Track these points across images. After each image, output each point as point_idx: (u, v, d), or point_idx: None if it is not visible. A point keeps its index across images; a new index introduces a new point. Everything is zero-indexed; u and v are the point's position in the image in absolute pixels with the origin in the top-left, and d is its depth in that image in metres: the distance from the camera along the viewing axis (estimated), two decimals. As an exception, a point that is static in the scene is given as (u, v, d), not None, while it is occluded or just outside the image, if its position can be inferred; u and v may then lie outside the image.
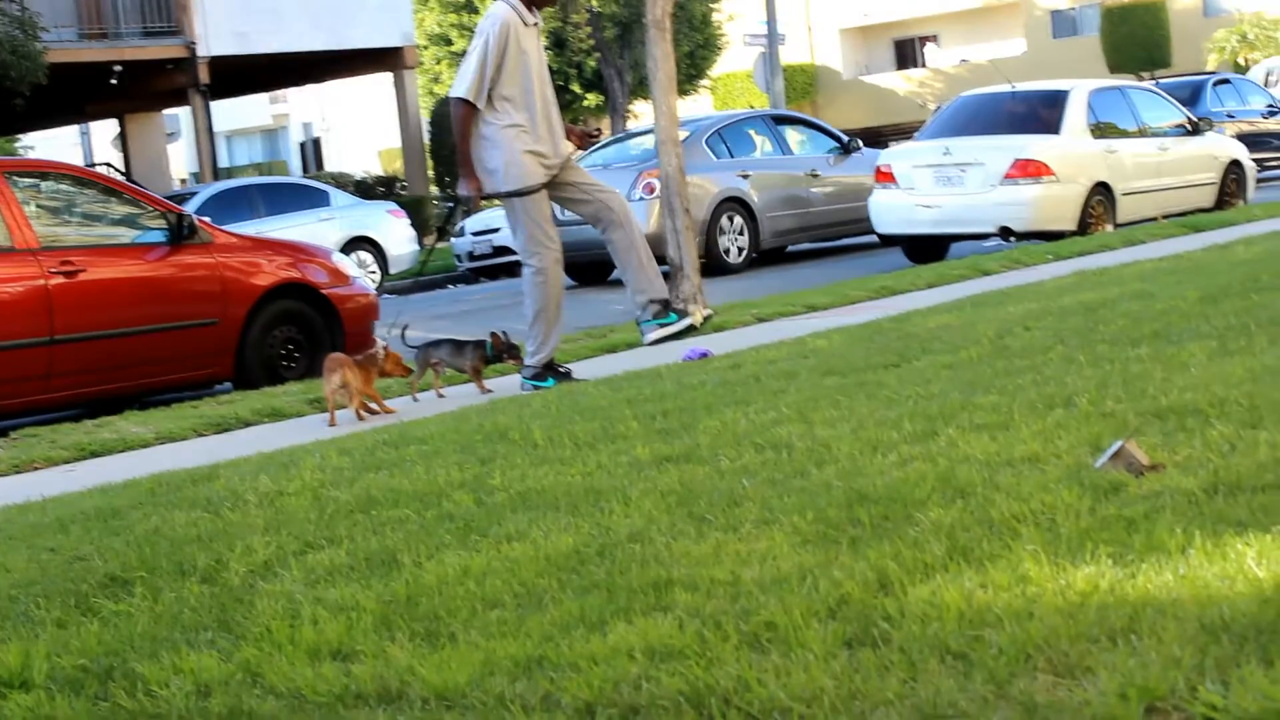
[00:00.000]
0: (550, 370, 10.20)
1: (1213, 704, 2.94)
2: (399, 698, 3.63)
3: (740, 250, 21.13)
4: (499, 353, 10.17)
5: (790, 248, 22.72)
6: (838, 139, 23.00)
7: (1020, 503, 4.54)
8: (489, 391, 9.99)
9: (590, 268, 21.49)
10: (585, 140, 10.95)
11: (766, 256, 21.86)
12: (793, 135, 23.07)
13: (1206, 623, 3.35)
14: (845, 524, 4.61)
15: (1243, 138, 27.15)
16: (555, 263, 10.14)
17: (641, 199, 20.37)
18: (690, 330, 10.97)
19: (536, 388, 9.96)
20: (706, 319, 11.28)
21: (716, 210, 20.83)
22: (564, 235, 20.61)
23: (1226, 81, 30.18)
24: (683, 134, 21.48)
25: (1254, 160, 27.14)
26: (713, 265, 20.62)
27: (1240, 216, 18.31)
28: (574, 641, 3.82)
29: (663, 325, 10.52)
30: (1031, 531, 4.24)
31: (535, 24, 10.20)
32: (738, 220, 21.11)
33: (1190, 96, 28.07)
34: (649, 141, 22.02)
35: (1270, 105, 29.68)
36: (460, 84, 10.07)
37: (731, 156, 21.67)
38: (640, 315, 10.89)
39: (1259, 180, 27.72)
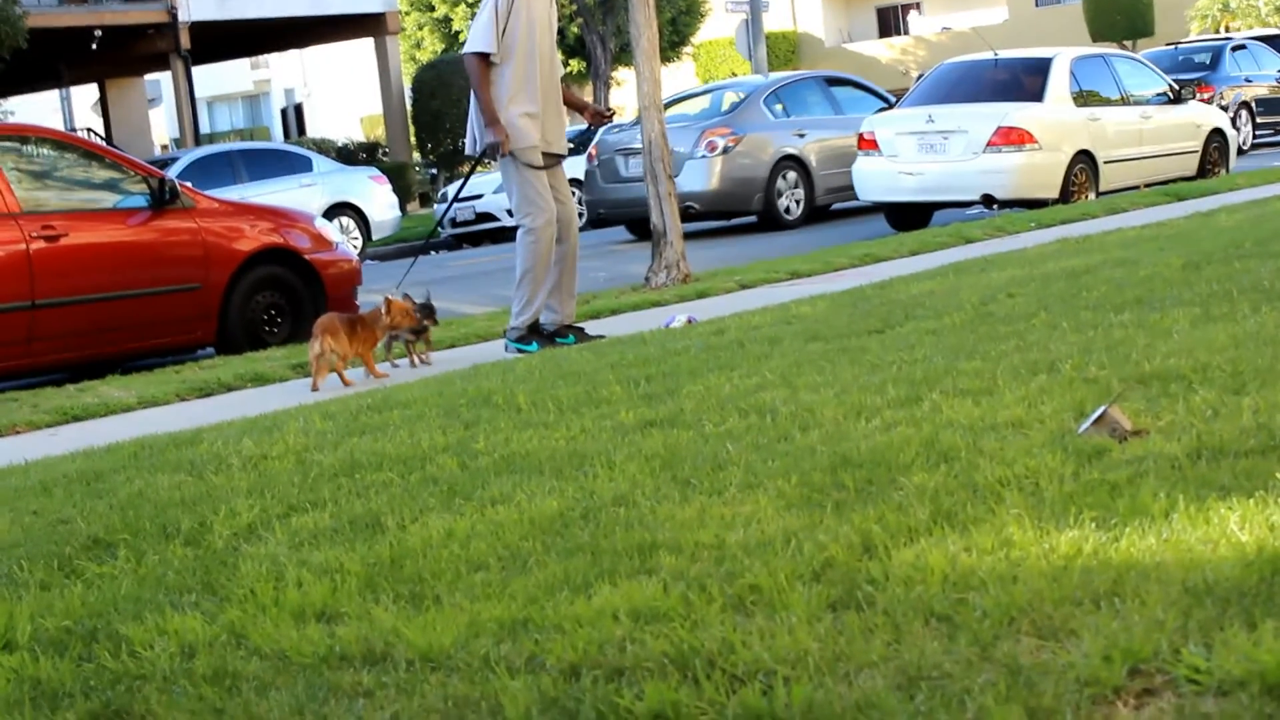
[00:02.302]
0: (535, 333, 10.17)
1: (1196, 666, 2.95)
2: (384, 659, 3.63)
3: (797, 204, 21.65)
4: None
5: (835, 206, 22.93)
6: (885, 99, 23.28)
7: (1004, 467, 4.55)
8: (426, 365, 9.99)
9: (645, 223, 21.87)
10: (598, 119, 10.97)
11: (817, 213, 22.23)
12: (843, 95, 23.29)
13: (1190, 586, 3.36)
14: (829, 488, 4.62)
15: (1258, 102, 27.93)
16: (548, 224, 10.11)
17: (704, 156, 21.06)
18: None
19: (521, 351, 9.94)
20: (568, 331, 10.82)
21: (774, 168, 21.32)
22: (623, 191, 21.22)
23: (1243, 47, 30.88)
24: (740, 95, 22.00)
25: (1267, 124, 28.14)
26: (771, 221, 21.30)
27: (1222, 185, 18.35)
28: (559, 604, 3.82)
29: (522, 350, 10.19)
30: (1015, 496, 4.25)
31: None
32: (793, 177, 21.60)
33: (1210, 61, 29.10)
34: (707, 101, 22.48)
35: None
36: (471, 39, 10.10)
37: (788, 116, 22.07)
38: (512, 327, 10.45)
39: (1270, 144, 28.43)
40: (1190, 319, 6.97)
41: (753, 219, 21.75)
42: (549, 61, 10.21)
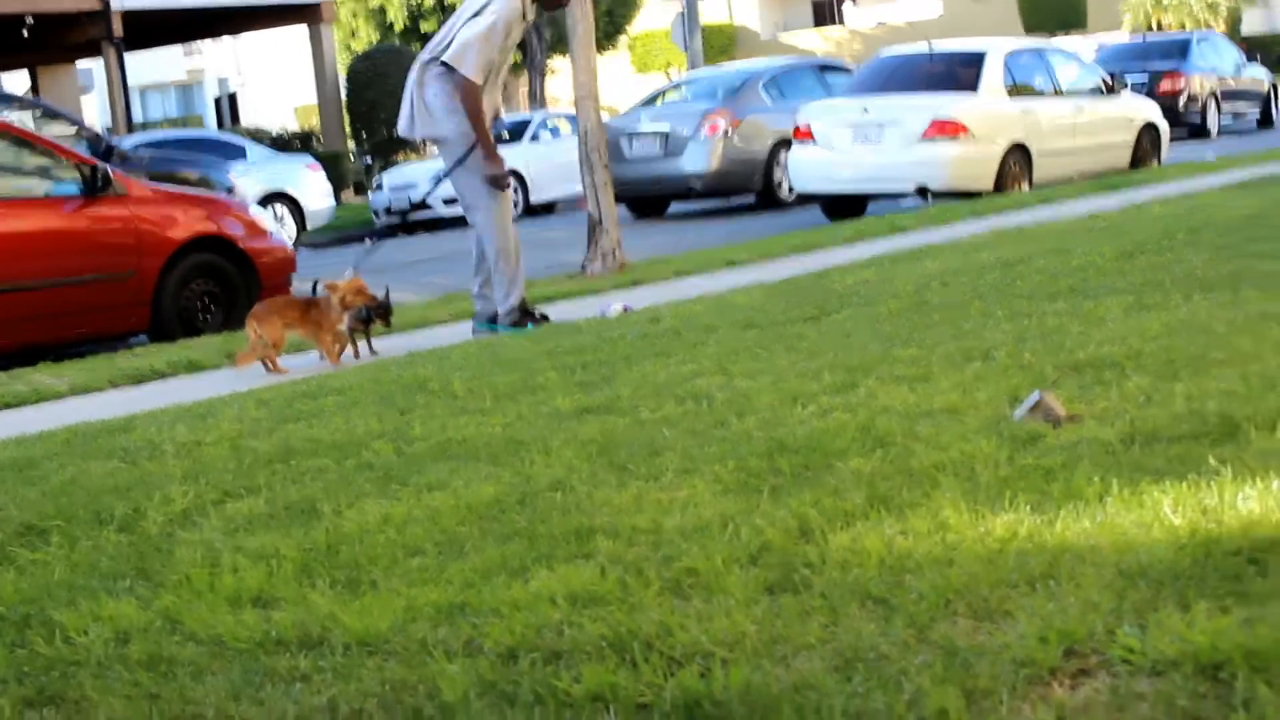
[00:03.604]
0: (526, 314, 10.16)
1: (1130, 647, 2.98)
2: (320, 644, 3.62)
3: (792, 187, 21.84)
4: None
5: None
6: None
7: (940, 452, 4.57)
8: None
9: (647, 201, 23.15)
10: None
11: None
12: (836, 81, 23.61)
13: (1124, 568, 3.39)
14: (766, 473, 4.63)
15: (1223, 91, 29.83)
16: (504, 199, 10.09)
17: (706, 139, 21.79)
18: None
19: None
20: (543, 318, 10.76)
21: (773, 150, 22.04)
22: (628, 171, 21.95)
23: (1206, 39, 32.28)
24: (739, 81, 22.81)
25: (1228, 111, 29.42)
26: (770, 200, 22.19)
27: (1155, 176, 18.47)
28: (496, 588, 3.82)
29: (518, 332, 10.19)
30: (951, 480, 4.28)
31: (528, 20, 10.18)
32: None
33: (1179, 51, 30.46)
34: (706, 86, 23.46)
35: (1237, 63, 31.93)
36: (470, 63, 9.90)
37: (785, 100, 22.48)
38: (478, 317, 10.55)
39: (1233, 130, 29.39)
40: (1123, 307, 7.02)
41: (752, 199, 22.49)
42: (500, 73, 10.21)
